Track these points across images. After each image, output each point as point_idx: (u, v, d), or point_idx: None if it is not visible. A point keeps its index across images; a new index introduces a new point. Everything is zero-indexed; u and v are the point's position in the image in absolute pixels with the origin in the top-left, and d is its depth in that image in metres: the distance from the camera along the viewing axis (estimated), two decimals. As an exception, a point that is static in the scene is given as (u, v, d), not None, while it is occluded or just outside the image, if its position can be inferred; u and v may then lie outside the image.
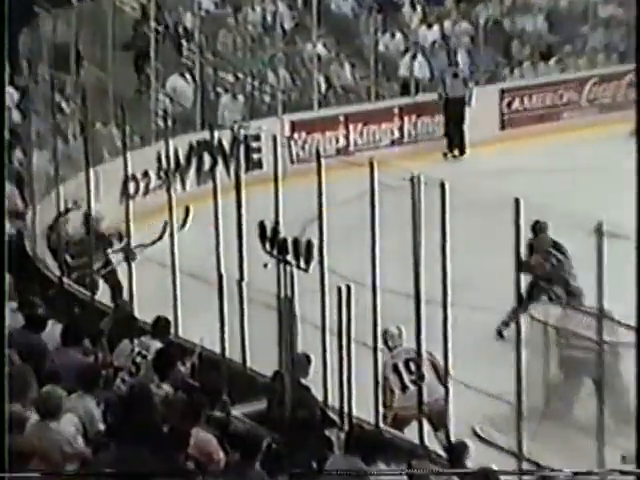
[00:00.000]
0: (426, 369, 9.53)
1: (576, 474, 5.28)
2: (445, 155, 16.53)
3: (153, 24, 15.74)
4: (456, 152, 16.53)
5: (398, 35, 17.94)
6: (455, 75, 16.75)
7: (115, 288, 11.21)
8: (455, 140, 16.56)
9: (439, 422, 9.34)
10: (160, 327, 9.10)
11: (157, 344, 8.79)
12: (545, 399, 9.29)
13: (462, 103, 16.62)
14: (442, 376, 9.37)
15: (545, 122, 17.43)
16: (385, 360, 9.40)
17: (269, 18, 17.52)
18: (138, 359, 8.68)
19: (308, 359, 9.07)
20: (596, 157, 15.34)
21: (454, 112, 16.60)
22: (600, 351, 8.08)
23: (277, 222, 9.21)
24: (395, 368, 9.67)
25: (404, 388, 9.63)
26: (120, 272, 11.29)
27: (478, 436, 9.21)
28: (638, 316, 5.51)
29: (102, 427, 7.25)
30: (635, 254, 5.40)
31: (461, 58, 17.76)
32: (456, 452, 7.80)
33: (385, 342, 9.34)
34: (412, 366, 9.57)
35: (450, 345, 8.66)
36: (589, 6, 18.72)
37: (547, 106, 17.57)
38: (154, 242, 10.81)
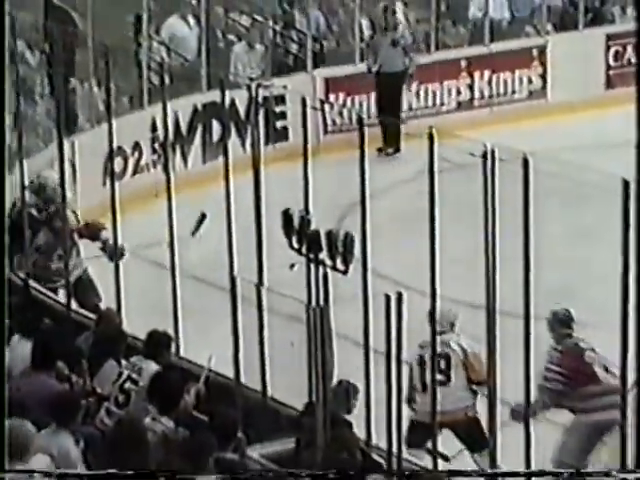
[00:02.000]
0: (455, 369, 9.78)
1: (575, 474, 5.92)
2: (379, 151, 15.48)
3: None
4: (390, 149, 15.68)
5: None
6: (394, 43, 16.07)
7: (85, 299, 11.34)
8: (390, 130, 15.65)
9: (470, 438, 9.60)
10: (156, 344, 9.27)
11: (153, 366, 8.94)
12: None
13: (400, 79, 16.01)
14: (477, 381, 9.66)
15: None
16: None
17: None
18: (128, 385, 8.82)
19: (353, 388, 9.28)
20: None
21: (389, 93, 15.97)
22: None
23: (307, 210, 9.36)
24: (421, 360, 9.97)
25: (424, 387, 9.95)
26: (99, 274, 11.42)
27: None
28: (637, 320, 5.96)
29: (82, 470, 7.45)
30: (635, 254, 5.62)
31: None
32: None
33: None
34: (442, 363, 9.86)
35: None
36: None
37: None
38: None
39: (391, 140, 15.59)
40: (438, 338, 9.58)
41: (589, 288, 11.56)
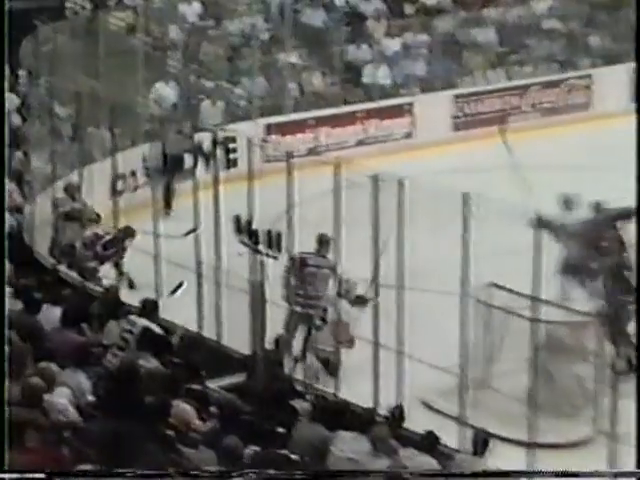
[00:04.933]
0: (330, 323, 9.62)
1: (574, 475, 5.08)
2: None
3: (141, 36, 15.81)
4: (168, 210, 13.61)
5: (364, 46, 18.01)
6: (179, 132, 14.37)
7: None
8: (167, 196, 13.82)
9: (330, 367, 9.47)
10: (147, 308, 9.16)
11: (143, 321, 8.84)
12: (485, 371, 9.44)
13: (180, 162, 14.01)
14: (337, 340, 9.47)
15: (493, 125, 17.50)
16: None
17: (247, 30, 17.56)
18: (126, 335, 8.71)
19: (280, 335, 9.21)
20: (537, 155, 15.53)
21: (172, 170, 13.95)
22: (535, 329, 8.23)
23: (251, 215, 9.29)
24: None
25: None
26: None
27: (427, 405, 9.33)
28: (637, 312, 5.08)
29: (92, 399, 7.34)
30: (635, 254, 5.08)
31: (419, 66, 17.94)
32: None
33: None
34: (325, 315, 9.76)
35: (407, 323, 8.82)
36: (534, 20, 18.79)
37: (495, 110, 17.62)
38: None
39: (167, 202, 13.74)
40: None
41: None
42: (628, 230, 10.28)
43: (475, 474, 6.13)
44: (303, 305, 9.88)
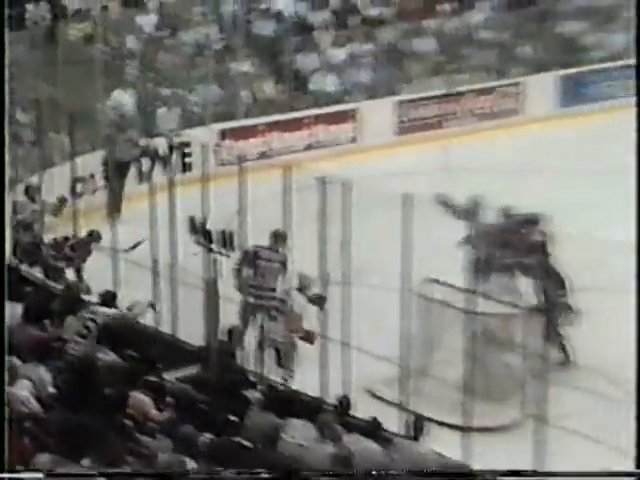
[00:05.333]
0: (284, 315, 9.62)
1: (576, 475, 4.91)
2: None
3: (99, 45, 15.73)
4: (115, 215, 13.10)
5: (312, 55, 18.04)
6: (128, 140, 14.22)
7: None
8: (116, 201, 13.72)
9: (284, 357, 9.48)
10: (107, 299, 9.12)
11: (105, 310, 8.81)
12: (425, 361, 9.53)
13: (127, 168, 14.06)
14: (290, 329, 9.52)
15: (432, 130, 17.66)
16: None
17: (201, 40, 17.52)
18: (89, 323, 8.68)
19: (232, 328, 9.21)
20: (473, 158, 15.72)
21: (120, 176, 13.99)
22: (470, 321, 8.33)
23: (205, 217, 9.28)
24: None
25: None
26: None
27: (372, 393, 9.39)
28: (638, 310, 5.10)
29: (52, 391, 7.31)
30: (635, 254, 5.11)
31: (364, 74, 17.99)
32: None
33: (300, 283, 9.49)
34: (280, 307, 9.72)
35: (353, 317, 8.89)
36: (469, 31, 18.94)
37: (434, 115, 17.77)
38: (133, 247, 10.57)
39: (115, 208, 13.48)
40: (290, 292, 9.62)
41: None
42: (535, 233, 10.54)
43: (473, 473, 6.21)
44: (256, 296, 9.94)
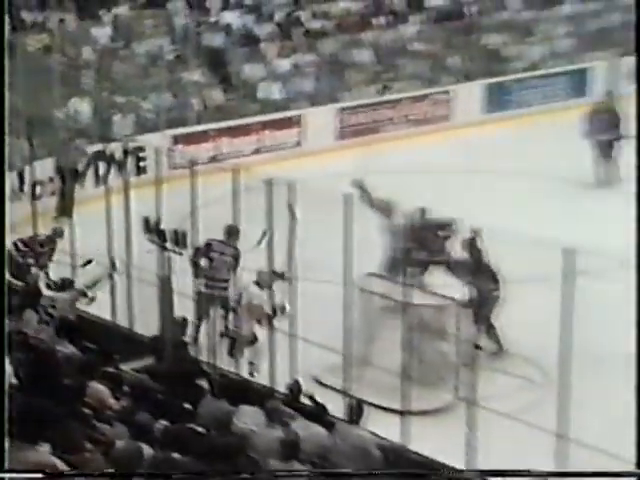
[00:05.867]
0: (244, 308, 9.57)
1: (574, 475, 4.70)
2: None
3: (57, 56, 15.54)
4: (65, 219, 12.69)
5: (258, 65, 18.00)
6: (76, 148, 13.97)
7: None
8: (66, 205, 13.35)
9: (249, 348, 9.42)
10: (66, 284, 9.00)
11: (63, 295, 8.69)
12: (366, 350, 9.55)
13: (77, 174, 13.90)
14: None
15: (370, 134, 17.71)
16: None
17: (154, 51, 17.41)
18: (50, 310, 8.57)
19: (185, 321, 9.15)
20: (407, 160, 15.81)
21: (70, 182, 13.67)
22: (406, 312, 8.35)
23: (158, 217, 9.22)
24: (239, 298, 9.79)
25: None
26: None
27: (318, 381, 9.39)
28: (638, 310, 4.88)
29: (14, 381, 7.20)
30: (635, 254, 4.95)
31: (307, 83, 17.98)
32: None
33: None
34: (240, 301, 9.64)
35: (299, 309, 8.88)
36: (403, 43, 19.03)
37: (372, 121, 17.82)
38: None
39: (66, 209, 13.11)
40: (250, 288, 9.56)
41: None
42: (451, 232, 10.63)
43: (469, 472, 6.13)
44: (211, 287, 9.93)
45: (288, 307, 9.14)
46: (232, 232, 9.95)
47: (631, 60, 19.23)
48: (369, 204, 10.82)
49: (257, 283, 9.63)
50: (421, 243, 10.61)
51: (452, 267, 10.29)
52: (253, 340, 9.46)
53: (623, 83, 18.75)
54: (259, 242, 9.28)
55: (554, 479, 4.62)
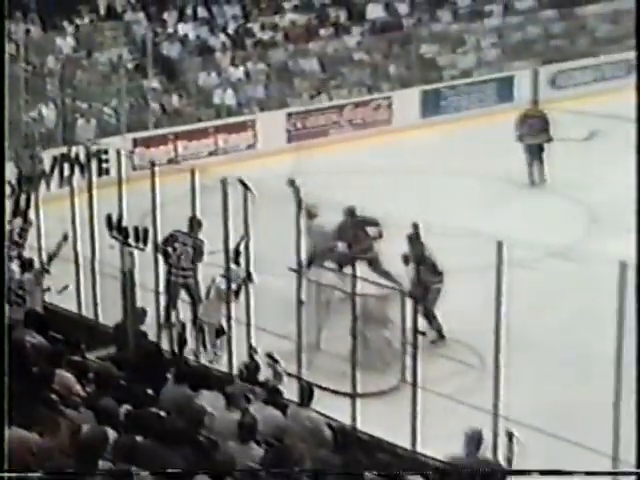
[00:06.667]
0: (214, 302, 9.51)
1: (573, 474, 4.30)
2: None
3: (22, 64, 15.29)
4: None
5: (213, 73, 17.89)
6: (31, 157, 13.02)
7: None
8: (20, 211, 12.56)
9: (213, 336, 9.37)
10: (26, 266, 8.92)
11: (28, 275, 8.53)
12: (316, 337, 9.51)
13: (32, 182, 12.62)
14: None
15: (319, 137, 17.70)
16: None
17: (115, 60, 17.22)
18: (19, 292, 8.45)
19: (144, 311, 9.02)
20: (352, 161, 15.82)
21: (26, 189, 12.43)
22: (353, 302, 8.33)
23: (121, 214, 9.10)
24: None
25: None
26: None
27: (272, 367, 9.30)
28: (638, 308, 4.79)
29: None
30: (635, 252, 4.79)
31: (259, 89, 17.89)
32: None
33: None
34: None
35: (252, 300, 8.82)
36: (347, 52, 19.02)
37: (319, 125, 17.76)
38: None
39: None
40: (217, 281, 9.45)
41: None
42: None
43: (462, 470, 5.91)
44: (175, 275, 9.92)
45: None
46: (194, 223, 9.92)
47: (550, 68, 19.66)
48: (297, 204, 10.79)
49: (224, 276, 9.56)
50: (348, 240, 10.63)
51: (373, 264, 10.27)
52: (220, 330, 9.35)
53: (544, 90, 19.08)
54: (237, 245, 9.25)
55: (552, 478, 4.30)
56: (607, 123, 15.65)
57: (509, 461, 6.47)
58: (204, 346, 9.50)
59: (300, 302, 8.61)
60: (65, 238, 9.71)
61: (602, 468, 6.56)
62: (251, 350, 8.31)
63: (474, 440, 6.48)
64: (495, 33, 20.27)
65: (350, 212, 10.94)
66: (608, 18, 21.19)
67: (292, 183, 11.12)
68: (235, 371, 8.37)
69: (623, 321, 6.29)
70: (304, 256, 9.13)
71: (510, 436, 6.52)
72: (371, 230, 10.81)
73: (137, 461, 5.58)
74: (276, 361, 8.02)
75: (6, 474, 4.39)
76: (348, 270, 10.11)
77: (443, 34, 19.89)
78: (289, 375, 8.33)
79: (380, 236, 10.82)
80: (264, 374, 7.96)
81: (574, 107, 17.27)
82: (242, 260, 9.01)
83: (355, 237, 10.75)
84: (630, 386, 6.44)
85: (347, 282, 8.65)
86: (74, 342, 7.80)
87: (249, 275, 9.13)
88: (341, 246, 10.66)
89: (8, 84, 14.04)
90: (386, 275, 10.37)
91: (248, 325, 8.75)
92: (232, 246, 8.90)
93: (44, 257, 9.78)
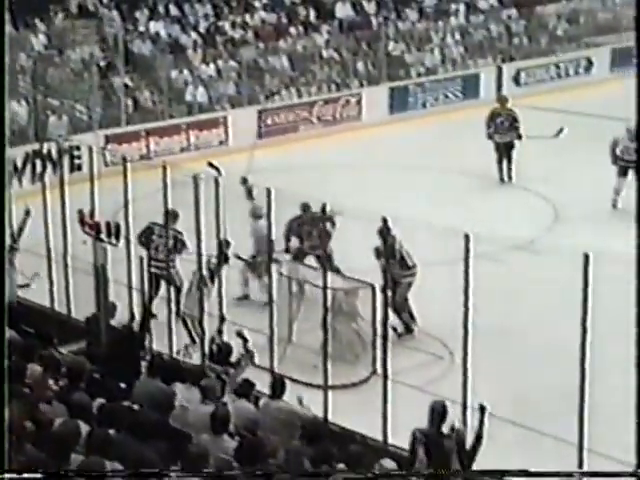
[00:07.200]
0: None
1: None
2: None
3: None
4: None
5: (184, 70, 17.77)
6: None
7: None
8: None
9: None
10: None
11: None
12: (289, 330, 9.47)
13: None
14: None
15: (289, 133, 17.63)
16: None
17: (86, 57, 17.05)
18: None
19: (114, 306, 8.91)
20: (323, 156, 15.76)
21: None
22: (324, 295, 8.28)
23: (93, 210, 9.01)
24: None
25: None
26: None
27: (240, 334, 9.20)
28: (638, 308, 4.63)
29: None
30: (635, 252, 4.71)
31: (230, 87, 17.78)
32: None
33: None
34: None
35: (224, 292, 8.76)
36: (316, 50, 18.94)
37: (290, 122, 17.72)
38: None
39: None
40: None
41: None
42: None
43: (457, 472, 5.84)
44: (155, 267, 9.84)
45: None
46: (170, 216, 9.77)
47: (512, 66, 19.80)
48: (248, 199, 10.79)
49: (208, 269, 9.48)
50: (300, 235, 10.59)
51: (322, 260, 10.20)
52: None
53: (508, 86, 19.20)
54: (225, 249, 9.19)
55: (552, 479, 4.16)
56: (571, 120, 15.73)
57: (478, 438, 6.49)
58: (192, 339, 9.40)
59: (271, 299, 8.54)
60: (27, 213, 9.59)
61: (567, 455, 6.61)
62: (220, 331, 8.23)
63: (437, 412, 6.49)
64: (458, 31, 20.37)
65: (305, 208, 10.87)
66: (566, 17, 21.40)
67: (244, 181, 11.09)
68: (206, 351, 8.31)
69: (587, 311, 6.37)
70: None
71: (482, 409, 6.51)
72: (325, 225, 10.69)
73: (110, 455, 5.50)
74: (246, 340, 7.94)
75: (6, 474, 4.35)
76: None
77: (410, 32, 19.95)
78: (262, 368, 8.26)
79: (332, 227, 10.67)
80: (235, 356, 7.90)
81: (538, 104, 17.37)
82: (216, 243, 8.92)
83: (308, 233, 10.68)
84: (594, 374, 6.51)
85: (319, 276, 8.59)
86: (46, 336, 7.69)
87: (225, 256, 9.06)
88: (293, 241, 10.62)
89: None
90: (337, 273, 10.24)
91: (220, 309, 8.65)
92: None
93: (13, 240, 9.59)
